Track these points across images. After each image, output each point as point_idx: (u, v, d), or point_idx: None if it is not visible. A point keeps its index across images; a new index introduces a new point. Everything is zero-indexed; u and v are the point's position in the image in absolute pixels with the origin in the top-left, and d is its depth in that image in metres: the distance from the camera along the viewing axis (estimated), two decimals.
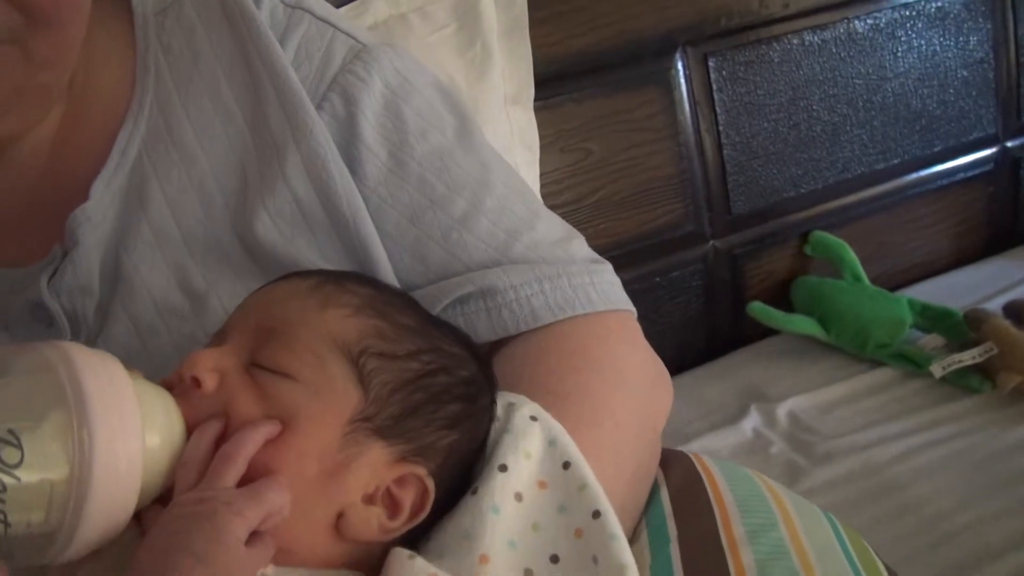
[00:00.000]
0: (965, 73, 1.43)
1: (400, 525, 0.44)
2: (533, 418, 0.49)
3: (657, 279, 1.29)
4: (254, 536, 0.39)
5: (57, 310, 0.60)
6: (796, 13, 1.31)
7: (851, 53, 1.35)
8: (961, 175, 1.47)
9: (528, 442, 0.48)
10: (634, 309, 0.67)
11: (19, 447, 0.33)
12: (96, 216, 0.61)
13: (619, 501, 0.51)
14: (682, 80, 1.26)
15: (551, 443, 0.48)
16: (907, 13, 1.37)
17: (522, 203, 0.66)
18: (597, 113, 1.21)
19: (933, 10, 1.39)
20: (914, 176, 1.44)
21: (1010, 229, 1.54)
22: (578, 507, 0.45)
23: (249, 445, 0.40)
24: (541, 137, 1.14)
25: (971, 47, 1.42)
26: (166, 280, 0.61)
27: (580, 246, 0.67)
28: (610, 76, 1.21)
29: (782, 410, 1.16)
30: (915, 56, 1.39)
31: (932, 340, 1.22)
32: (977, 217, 1.51)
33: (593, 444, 0.51)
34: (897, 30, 1.37)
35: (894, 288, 1.38)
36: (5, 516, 0.33)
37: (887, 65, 1.38)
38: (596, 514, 0.45)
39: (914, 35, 1.38)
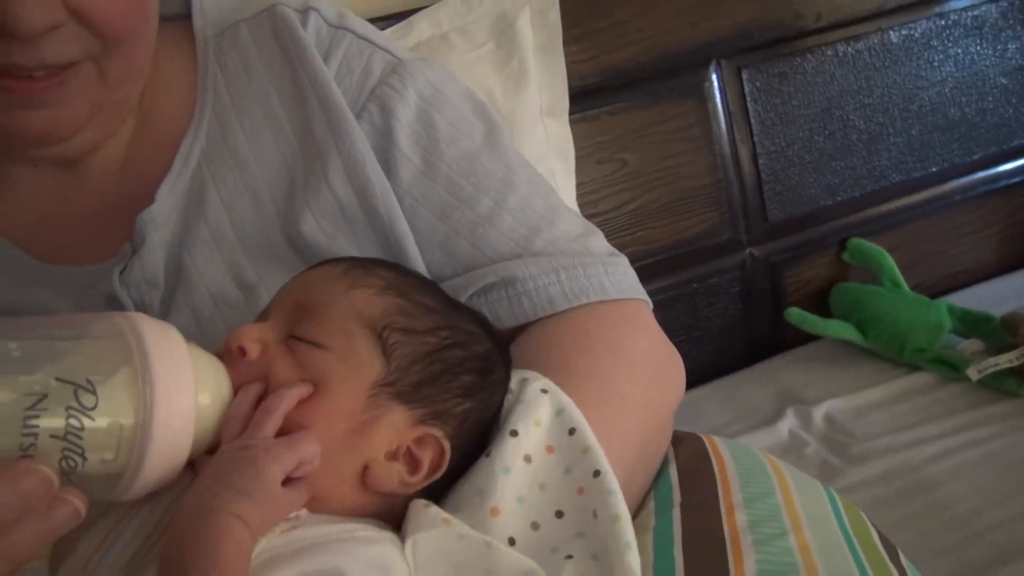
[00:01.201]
0: (1004, 80, 1.43)
1: (419, 481, 0.49)
2: (543, 391, 0.54)
3: (695, 286, 1.32)
4: (290, 482, 0.44)
5: (128, 302, 0.66)
6: (829, 25, 1.33)
7: (886, 63, 1.37)
8: (1003, 182, 1.47)
9: (538, 411, 0.53)
10: (648, 299, 0.71)
11: (94, 394, 0.39)
12: (161, 217, 0.68)
13: (625, 471, 0.55)
14: (716, 92, 1.29)
15: (559, 412, 0.53)
16: (942, 23, 1.38)
17: (543, 202, 0.71)
18: (632, 125, 1.25)
19: (969, 19, 1.40)
20: (954, 184, 1.44)
21: None
22: (581, 468, 0.50)
23: (285, 402, 0.46)
24: (578, 149, 1.18)
25: (1009, 54, 1.43)
26: (222, 275, 0.68)
27: (598, 241, 0.72)
28: (644, 89, 1.25)
29: (818, 412, 1.18)
30: (952, 65, 1.40)
31: (971, 345, 1.22)
32: (1020, 224, 1.50)
33: (600, 419, 0.56)
34: (932, 40, 1.38)
35: (936, 295, 1.38)
36: (83, 451, 0.39)
37: (923, 74, 1.39)
38: (596, 473, 0.49)
39: (950, 44, 1.40)
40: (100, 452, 0.40)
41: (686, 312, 1.31)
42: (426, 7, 1.11)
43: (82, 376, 0.39)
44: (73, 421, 0.38)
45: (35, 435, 0.38)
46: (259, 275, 0.68)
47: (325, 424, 0.47)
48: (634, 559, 0.46)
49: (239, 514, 0.40)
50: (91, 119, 0.66)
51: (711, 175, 1.30)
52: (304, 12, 0.75)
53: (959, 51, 1.40)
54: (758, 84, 1.31)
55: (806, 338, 1.36)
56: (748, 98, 1.30)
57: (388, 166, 0.70)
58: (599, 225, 0.77)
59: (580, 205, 1.19)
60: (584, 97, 1.20)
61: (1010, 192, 1.48)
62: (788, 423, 1.17)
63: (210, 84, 0.74)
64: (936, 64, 1.40)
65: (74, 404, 0.39)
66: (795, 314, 1.34)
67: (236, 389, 0.47)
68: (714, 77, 1.29)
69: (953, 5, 1.40)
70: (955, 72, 1.41)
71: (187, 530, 0.39)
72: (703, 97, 1.28)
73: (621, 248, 0.75)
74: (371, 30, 0.77)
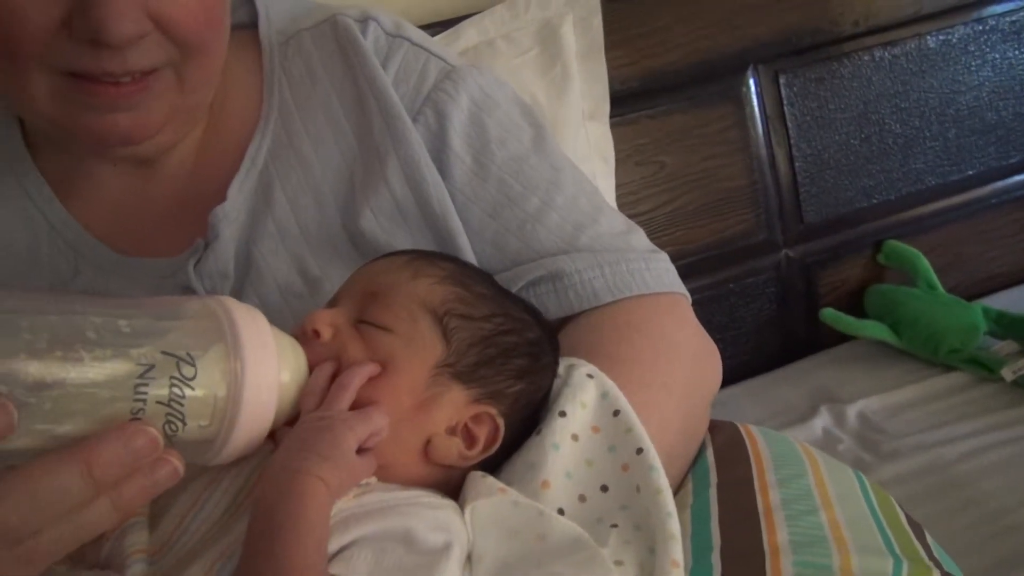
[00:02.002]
0: None
1: (476, 454, 0.53)
2: (589, 376, 0.58)
3: (731, 285, 1.34)
4: (361, 451, 0.48)
5: (201, 291, 0.71)
6: (866, 31, 1.35)
7: (923, 68, 1.38)
8: None
9: (584, 394, 0.57)
10: (687, 293, 0.74)
11: (194, 366, 0.44)
12: (232, 213, 0.73)
13: (665, 452, 0.58)
14: (754, 97, 1.32)
15: (604, 395, 0.57)
16: (980, 28, 1.40)
17: (587, 201, 0.75)
18: (671, 128, 1.28)
19: (1007, 24, 1.41)
20: (991, 187, 1.45)
21: None
22: (624, 446, 0.54)
23: (357, 379, 0.50)
24: (617, 151, 1.22)
25: None
26: (287, 267, 0.72)
27: (639, 238, 0.75)
28: (683, 94, 1.28)
29: (852, 411, 1.20)
30: (989, 69, 1.41)
31: (1006, 346, 1.24)
32: None
33: (642, 403, 0.59)
34: (970, 44, 1.40)
35: (971, 297, 1.39)
36: (183, 417, 0.44)
37: (960, 79, 1.40)
38: (639, 451, 0.53)
39: (988, 49, 1.41)
40: (197, 419, 0.44)
41: (722, 312, 1.34)
42: (474, 15, 1.16)
43: (183, 350, 0.44)
44: (176, 390, 0.43)
45: (144, 401, 0.42)
46: (321, 267, 0.72)
47: (392, 400, 0.51)
48: (675, 527, 0.49)
49: (321, 476, 0.44)
50: (169, 121, 0.70)
51: (748, 177, 1.33)
52: (363, 21, 0.80)
53: (996, 56, 1.41)
54: (795, 89, 1.33)
55: (840, 338, 1.38)
56: (785, 102, 1.33)
57: (442, 166, 0.74)
58: (638, 225, 0.79)
59: (619, 206, 1.22)
60: (625, 101, 1.23)
61: None
62: (822, 421, 1.19)
63: (276, 89, 0.78)
64: (973, 69, 1.41)
65: (176, 375, 0.43)
66: (830, 314, 1.36)
67: (311, 367, 0.52)
68: (752, 82, 1.32)
69: (991, 10, 1.41)
70: (992, 76, 1.42)
71: (275, 489, 0.44)
72: (741, 101, 1.31)
73: (659, 248, 0.77)
74: (426, 38, 0.81)
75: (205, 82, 0.72)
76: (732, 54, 1.30)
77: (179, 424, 0.44)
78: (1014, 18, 1.41)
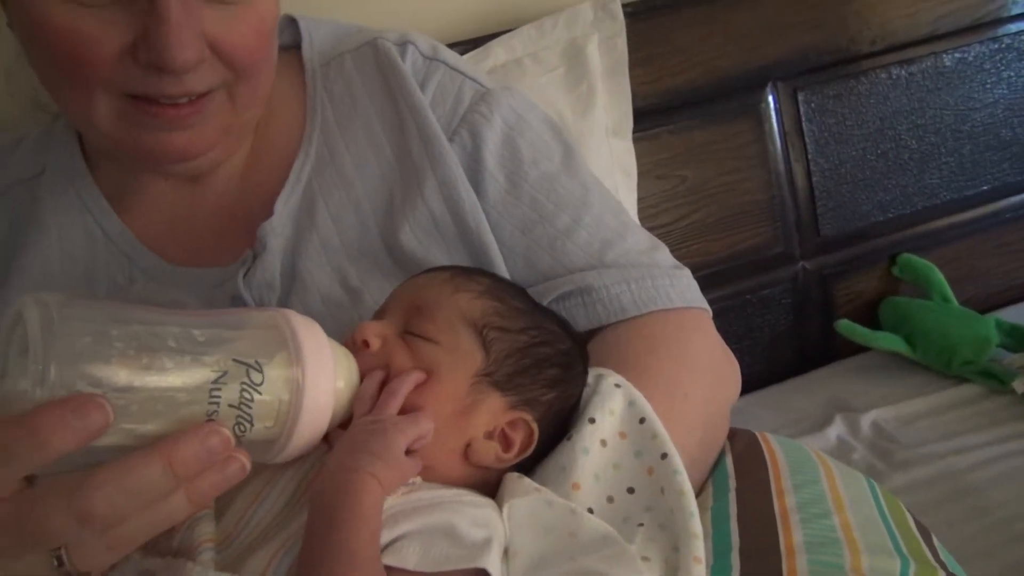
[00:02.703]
0: None
1: (511, 457, 0.57)
2: (617, 385, 0.62)
3: (748, 296, 1.37)
4: (408, 453, 0.52)
5: (250, 301, 0.75)
6: (883, 49, 1.38)
7: (939, 85, 1.41)
8: None
9: (612, 402, 0.61)
10: (708, 308, 0.78)
11: (261, 372, 0.48)
12: (278, 227, 0.77)
13: (687, 457, 0.62)
14: (772, 113, 1.34)
15: (630, 404, 0.61)
16: (995, 47, 1.42)
17: (614, 218, 0.79)
18: (692, 144, 1.31)
19: (1021, 43, 1.43)
20: (1005, 202, 1.47)
21: None
22: (650, 451, 0.58)
23: (406, 386, 0.54)
24: (639, 165, 1.25)
25: None
26: (329, 279, 0.76)
27: (664, 255, 0.79)
28: (704, 110, 1.31)
29: (866, 420, 1.21)
30: (1005, 87, 1.43)
31: (1018, 359, 1.24)
32: None
33: (666, 412, 0.63)
34: (985, 63, 1.42)
35: (985, 310, 1.40)
36: (251, 419, 0.48)
37: (976, 96, 1.42)
38: (663, 456, 0.57)
39: (1003, 67, 1.43)
40: (263, 421, 0.49)
41: (739, 322, 1.36)
42: (502, 34, 1.19)
43: (252, 358, 0.48)
44: (245, 394, 0.47)
45: (218, 404, 0.47)
46: (362, 279, 0.76)
47: (436, 405, 0.55)
48: (698, 526, 0.53)
49: (374, 474, 0.48)
50: (221, 139, 0.75)
51: (766, 191, 1.36)
52: (402, 45, 0.84)
53: (1011, 74, 1.43)
54: (813, 105, 1.36)
55: (855, 349, 1.39)
56: (803, 118, 1.36)
57: (477, 184, 0.78)
58: (658, 237, 0.83)
59: (641, 218, 1.25)
60: (646, 117, 1.26)
61: None
62: (836, 430, 1.21)
63: (318, 109, 0.82)
64: (989, 86, 1.43)
65: (246, 380, 0.47)
66: (845, 326, 1.38)
67: (362, 375, 0.56)
68: (770, 98, 1.34)
69: (1007, 29, 1.43)
70: (1008, 94, 1.44)
71: (333, 484, 0.48)
72: (759, 117, 1.34)
73: (678, 259, 0.81)
74: (461, 61, 0.85)
75: (255, 102, 0.76)
76: (751, 72, 1.33)
77: (247, 425, 0.48)
78: None
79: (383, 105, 0.81)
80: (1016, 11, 1.42)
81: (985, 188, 1.45)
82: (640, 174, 1.25)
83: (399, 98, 0.81)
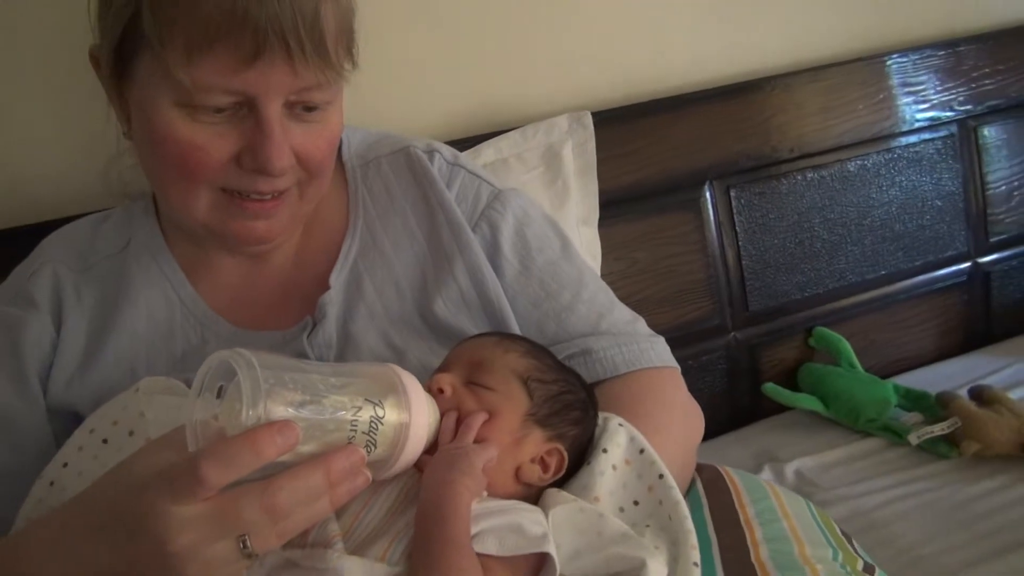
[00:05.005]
0: (939, 203, 1.66)
1: (549, 477, 0.73)
2: (620, 424, 0.79)
3: (689, 363, 1.49)
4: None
5: (312, 358, 0.89)
6: (799, 155, 1.57)
7: (844, 186, 1.59)
8: (939, 285, 1.68)
9: (618, 437, 0.77)
10: (678, 366, 0.97)
11: (383, 408, 0.63)
12: (335, 298, 0.92)
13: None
14: (710, 206, 1.51)
15: (631, 439, 0.78)
16: (890, 156, 1.63)
17: (604, 295, 0.97)
18: (642, 231, 1.46)
19: (911, 153, 1.64)
20: (899, 285, 1.65)
21: (984, 331, 1.73)
22: (649, 474, 0.75)
23: (476, 423, 0.70)
24: (601, 248, 1.41)
25: (943, 182, 1.66)
26: (376, 340, 0.90)
27: (642, 325, 0.98)
28: (653, 203, 1.47)
29: (790, 468, 1.36)
30: (897, 189, 1.63)
31: (912, 417, 1.41)
32: (954, 320, 1.71)
33: (655, 446, 0.81)
34: (882, 169, 1.62)
35: (885, 376, 1.55)
36: (376, 444, 0.62)
37: (874, 196, 1.61)
38: (660, 476, 0.74)
39: (896, 173, 1.63)
40: (382, 446, 0.63)
41: None
42: (492, 135, 1.34)
43: (376, 396, 0.64)
44: (373, 424, 0.62)
45: (354, 431, 0.61)
46: (403, 341, 0.91)
47: (498, 438, 0.71)
48: (691, 525, 0.70)
49: (465, 484, 0.64)
50: (288, 227, 0.90)
51: (704, 272, 1.51)
52: (430, 152, 1.01)
53: (903, 178, 1.63)
54: (743, 201, 1.53)
55: (779, 408, 1.54)
56: (735, 211, 1.52)
57: (495, 267, 0.95)
58: None
59: None
60: (607, 207, 1.40)
61: (946, 293, 1.69)
62: (765, 476, 1.34)
63: (360, 202, 0.98)
64: (885, 188, 1.62)
65: (374, 414, 0.63)
66: (770, 388, 1.53)
67: (441, 414, 0.72)
68: (708, 194, 1.51)
69: (899, 142, 1.63)
70: (900, 195, 1.63)
71: (436, 492, 0.63)
72: (699, 210, 1.50)
73: None
74: (477, 167, 1.03)
75: (317, 196, 0.91)
76: (693, 172, 1.48)
77: (372, 448, 0.63)
78: (917, 149, 1.64)
79: (416, 201, 0.97)
80: (906, 128, 1.64)
81: (883, 273, 1.64)
82: (601, 256, 1.41)
83: (430, 195, 0.97)
